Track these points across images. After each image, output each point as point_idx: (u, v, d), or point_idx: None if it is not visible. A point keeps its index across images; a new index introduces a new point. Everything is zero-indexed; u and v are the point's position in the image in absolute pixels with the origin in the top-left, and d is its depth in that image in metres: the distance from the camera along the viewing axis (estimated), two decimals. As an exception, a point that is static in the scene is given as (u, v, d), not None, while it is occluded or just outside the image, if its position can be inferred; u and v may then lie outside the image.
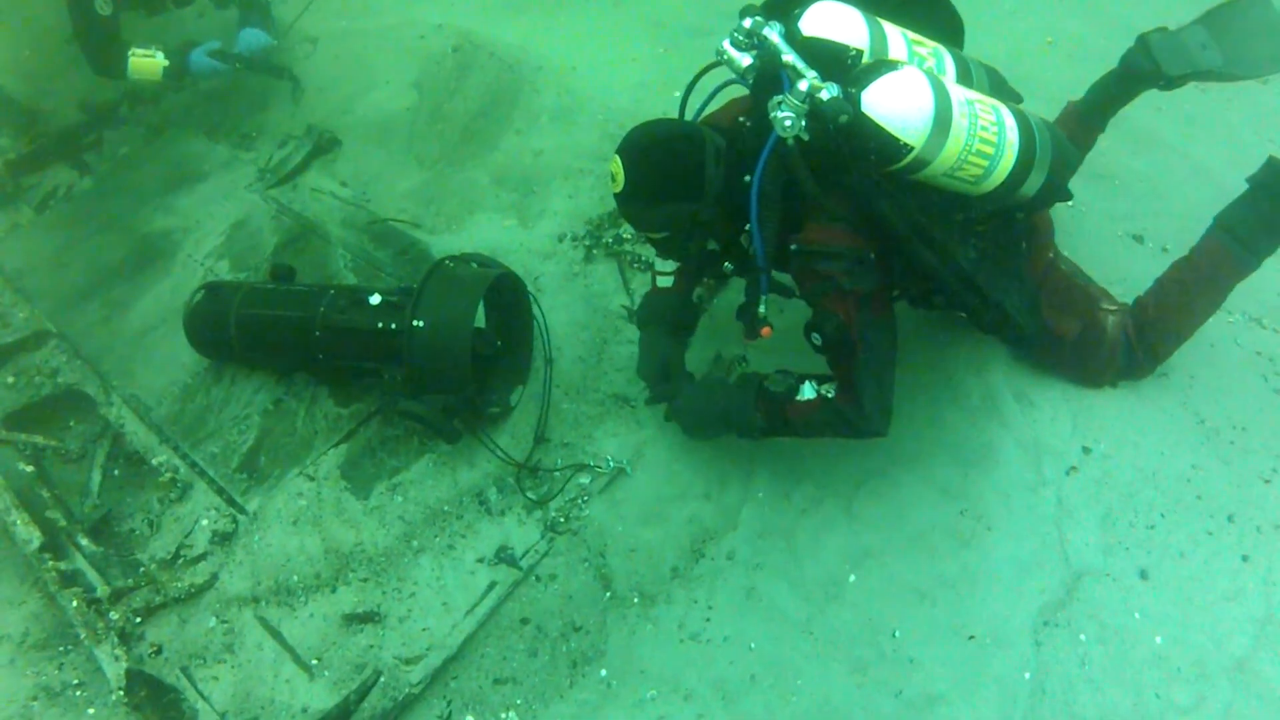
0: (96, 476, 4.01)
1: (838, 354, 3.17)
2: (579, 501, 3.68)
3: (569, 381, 4.00)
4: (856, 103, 2.74)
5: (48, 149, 5.46)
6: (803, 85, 2.74)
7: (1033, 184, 3.03)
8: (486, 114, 5.05)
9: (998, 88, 3.30)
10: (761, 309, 3.18)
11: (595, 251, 4.42)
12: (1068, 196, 3.25)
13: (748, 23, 2.93)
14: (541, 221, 4.59)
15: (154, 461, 3.95)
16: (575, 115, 4.96)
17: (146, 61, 5.01)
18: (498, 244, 4.48)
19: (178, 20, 5.63)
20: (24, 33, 5.69)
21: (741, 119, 3.21)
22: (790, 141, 2.86)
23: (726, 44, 2.96)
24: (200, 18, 5.79)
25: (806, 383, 3.31)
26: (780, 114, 2.79)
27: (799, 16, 2.99)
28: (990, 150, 2.86)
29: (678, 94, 3.42)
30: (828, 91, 2.73)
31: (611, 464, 3.76)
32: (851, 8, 3.01)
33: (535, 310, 4.03)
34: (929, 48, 3.12)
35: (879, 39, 2.97)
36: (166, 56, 5.03)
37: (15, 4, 5.76)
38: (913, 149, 2.75)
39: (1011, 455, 3.53)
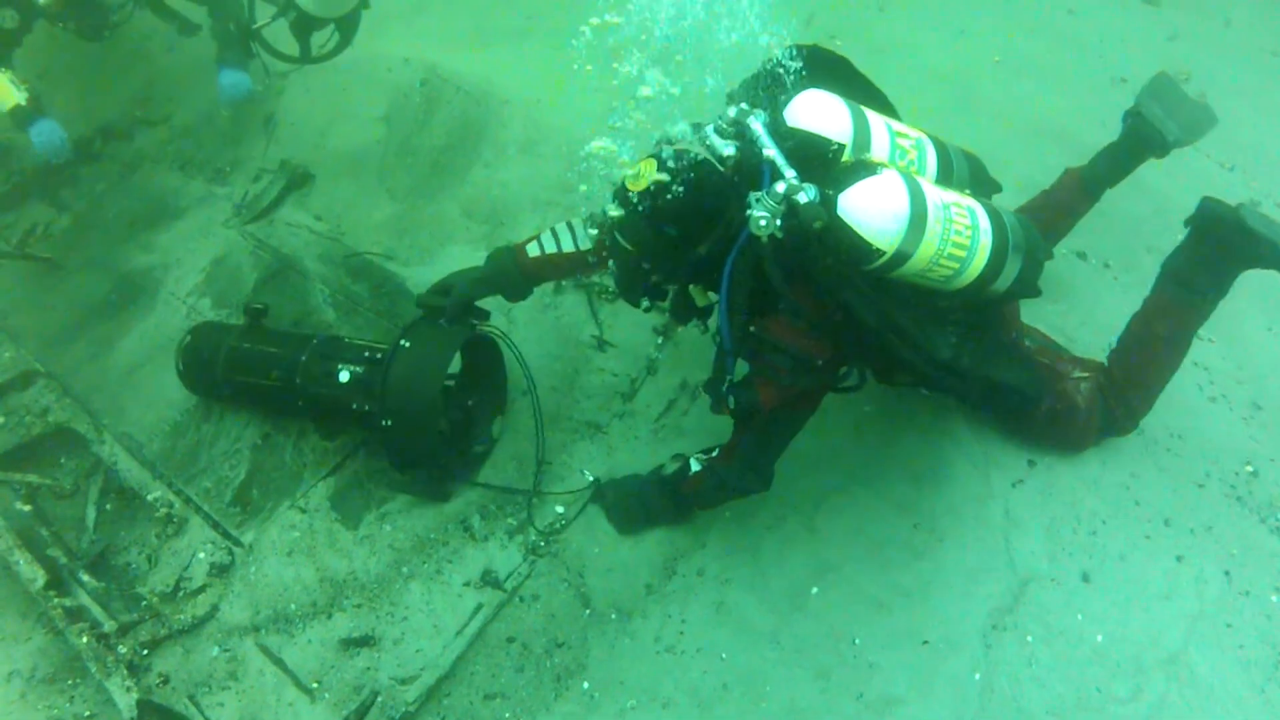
0: (92, 513, 4.25)
1: (740, 419, 3.43)
2: (557, 526, 4.00)
3: (544, 411, 4.28)
4: (833, 205, 2.83)
5: (25, 187, 5.67)
6: (780, 187, 2.84)
7: (1005, 280, 3.13)
8: (454, 147, 5.32)
9: (977, 176, 3.40)
10: (724, 389, 3.28)
11: (565, 284, 4.69)
12: (1037, 293, 3.32)
13: (733, 111, 3.03)
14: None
15: (149, 497, 4.21)
16: (540, 147, 5.24)
17: (5, 91, 5.05)
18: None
19: (145, 53, 5.85)
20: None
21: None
22: (764, 239, 2.93)
23: (710, 129, 3.05)
24: (170, 52, 6.03)
25: (692, 459, 3.69)
26: (756, 213, 2.87)
27: (785, 104, 3.11)
28: (963, 253, 2.96)
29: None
30: (805, 194, 2.82)
31: (589, 478, 4.10)
32: (838, 99, 3.10)
33: (507, 347, 4.21)
34: (912, 139, 3.21)
35: (862, 131, 3.07)
36: (28, 103, 5.06)
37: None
38: (885, 253, 2.85)
39: (961, 470, 3.87)
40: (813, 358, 3.17)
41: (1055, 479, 3.84)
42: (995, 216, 3.09)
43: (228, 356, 4.21)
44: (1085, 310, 4.36)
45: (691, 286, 3.41)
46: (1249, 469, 3.89)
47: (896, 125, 3.19)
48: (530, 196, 5.04)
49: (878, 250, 2.84)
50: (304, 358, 4.06)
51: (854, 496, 3.92)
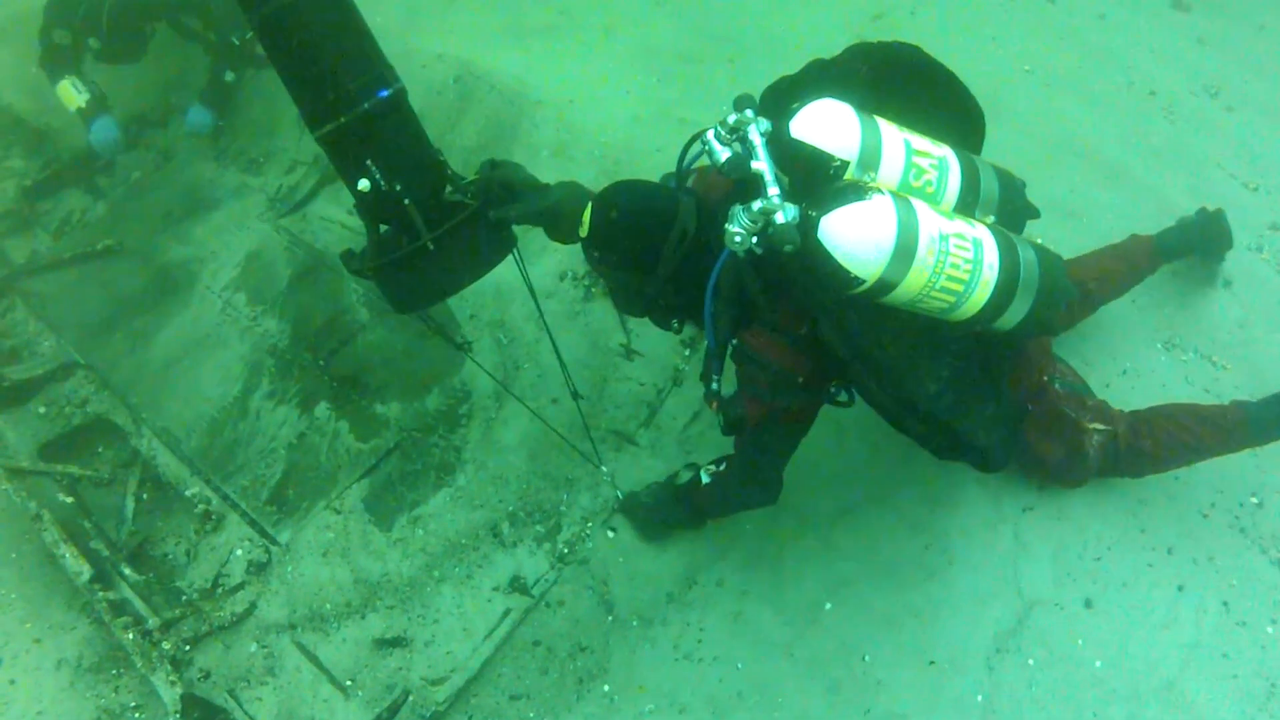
0: (130, 504, 4.53)
1: (732, 433, 3.46)
2: (583, 535, 4.27)
3: (572, 418, 4.50)
4: (813, 228, 2.80)
5: (62, 174, 5.93)
6: (756, 205, 2.81)
7: (1012, 317, 3.06)
8: (488, 147, 5.48)
9: (1011, 200, 3.24)
10: (714, 386, 3.31)
11: (595, 290, 4.92)
12: (1054, 332, 3.38)
13: (732, 118, 2.93)
14: (542, 258, 5.01)
15: (187, 493, 4.49)
16: (573, 150, 5.44)
17: (69, 95, 5.68)
18: (500, 279, 4.87)
19: (178, 43, 6.08)
20: (29, 50, 5.95)
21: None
22: (741, 254, 2.94)
23: (710, 134, 2.96)
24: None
25: (702, 470, 3.84)
26: (731, 228, 2.86)
27: (793, 113, 2.98)
28: (959, 287, 2.89)
29: (670, 130, 3.54)
30: (783, 214, 2.78)
31: (615, 490, 4.33)
32: (849, 109, 2.96)
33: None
34: (934, 158, 3.05)
35: (872, 147, 2.93)
36: (86, 104, 5.67)
37: (19, 21, 6.18)
38: (865, 282, 2.80)
39: (973, 494, 4.13)
40: (793, 374, 3.20)
41: (1064, 505, 4.08)
42: (1008, 252, 3.00)
43: (275, 9, 2.89)
44: (1104, 336, 4.53)
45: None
46: (1254, 500, 4.11)
47: (918, 143, 3.04)
48: (562, 201, 5.25)
49: (856, 278, 2.80)
50: (343, 118, 3.01)
51: (869, 515, 4.17)
